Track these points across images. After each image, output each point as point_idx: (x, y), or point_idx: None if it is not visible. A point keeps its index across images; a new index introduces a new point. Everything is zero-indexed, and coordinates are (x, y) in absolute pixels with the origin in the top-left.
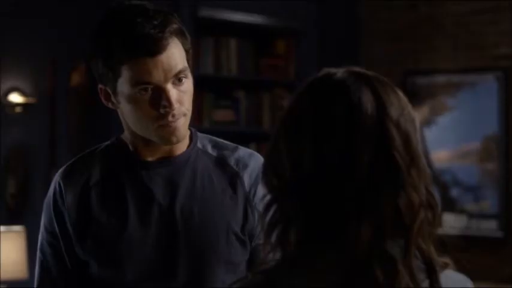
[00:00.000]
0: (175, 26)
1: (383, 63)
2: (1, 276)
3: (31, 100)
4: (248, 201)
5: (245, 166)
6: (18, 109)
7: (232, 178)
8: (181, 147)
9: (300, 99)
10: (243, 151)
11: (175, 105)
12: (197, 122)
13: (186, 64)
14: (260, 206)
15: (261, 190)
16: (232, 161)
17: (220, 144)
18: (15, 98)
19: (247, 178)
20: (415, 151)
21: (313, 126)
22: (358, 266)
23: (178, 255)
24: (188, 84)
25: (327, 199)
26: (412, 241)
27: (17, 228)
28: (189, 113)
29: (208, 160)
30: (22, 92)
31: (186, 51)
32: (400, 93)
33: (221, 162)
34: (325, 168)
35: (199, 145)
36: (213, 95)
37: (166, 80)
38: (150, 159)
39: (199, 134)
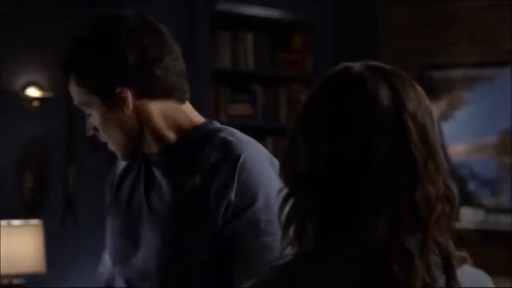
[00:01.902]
0: (70, 60)
1: (399, 58)
2: (18, 270)
3: (48, 94)
4: None
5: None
6: (35, 103)
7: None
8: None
9: (317, 94)
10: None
11: (89, 132)
12: (214, 116)
13: (82, 100)
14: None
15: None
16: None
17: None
18: (32, 92)
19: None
20: (432, 144)
21: (330, 120)
22: (375, 261)
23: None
24: (95, 116)
25: (344, 193)
26: (429, 234)
27: (34, 222)
28: (112, 141)
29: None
30: (39, 86)
31: (84, 85)
32: (417, 87)
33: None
34: (342, 162)
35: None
36: (229, 89)
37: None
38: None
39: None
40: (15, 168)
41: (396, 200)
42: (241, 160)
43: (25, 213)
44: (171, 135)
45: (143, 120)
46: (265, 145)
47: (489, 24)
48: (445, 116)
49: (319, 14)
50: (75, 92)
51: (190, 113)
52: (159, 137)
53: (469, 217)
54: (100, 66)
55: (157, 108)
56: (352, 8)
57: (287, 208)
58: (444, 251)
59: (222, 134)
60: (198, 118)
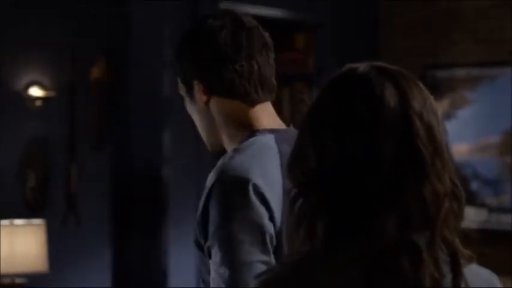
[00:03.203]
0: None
1: (402, 57)
2: (21, 270)
3: (51, 94)
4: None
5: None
6: (38, 103)
7: None
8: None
9: (323, 95)
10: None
11: None
12: None
13: (180, 89)
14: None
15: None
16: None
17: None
18: (35, 91)
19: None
20: (438, 141)
21: (336, 120)
22: (384, 258)
23: None
24: (188, 107)
25: (352, 192)
26: (437, 231)
27: (37, 221)
28: (201, 130)
29: None
30: (42, 86)
31: (180, 80)
32: (422, 86)
33: None
34: (349, 162)
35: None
36: None
37: None
38: None
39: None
40: (18, 167)
41: (404, 197)
42: (213, 187)
43: (27, 212)
44: (227, 139)
45: (212, 115)
46: None
47: (492, 24)
48: (448, 116)
49: (321, 13)
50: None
51: (255, 119)
52: (224, 137)
53: (471, 216)
54: (183, 60)
55: (221, 106)
56: (354, 7)
57: (296, 209)
58: (451, 248)
59: (233, 150)
60: (263, 125)
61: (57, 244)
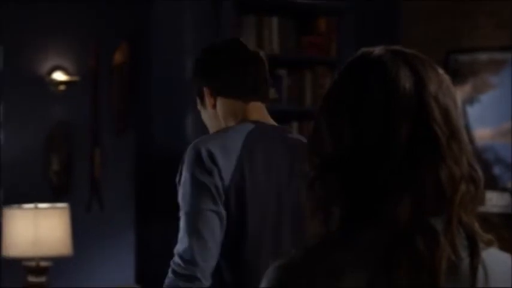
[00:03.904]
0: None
1: (425, 41)
2: (45, 253)
3: (74, 78)
4: None
5: None
6: (61, 87)
7: None
8: None
9: (339, 78)
10: None
11: None
12: None
13: (198, 107)
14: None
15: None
16: None
17: None
18: (58, 76)
19: None
20: (455, 124)
21: (352, 104)
22: (400, 241)
23: None
24: (203, 115)
25: (367, 175)
26: (453, 213)
27: (61, 205)
28: (209, 128)
29: None
30: (65, 71)
31: (196, 93)
32: (439, 69)
33: None
34: (364, 145)
35: None
36: None
37: None
38: None
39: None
40: (42, 151)
41: (420, 180)
42: (184, 154)
43: (51, 196)
44: None
45: (219, 117)
46: (290, 129)
47: None
48: (470, 100)
49: None
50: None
51: (248, 113)
52: None
53: (493, 201)
54: (197, 73)
55: (222, 104)
56: None
57: (314, 192)
58: (469, 231)
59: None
60: (252, 117)
61: (81, 227)
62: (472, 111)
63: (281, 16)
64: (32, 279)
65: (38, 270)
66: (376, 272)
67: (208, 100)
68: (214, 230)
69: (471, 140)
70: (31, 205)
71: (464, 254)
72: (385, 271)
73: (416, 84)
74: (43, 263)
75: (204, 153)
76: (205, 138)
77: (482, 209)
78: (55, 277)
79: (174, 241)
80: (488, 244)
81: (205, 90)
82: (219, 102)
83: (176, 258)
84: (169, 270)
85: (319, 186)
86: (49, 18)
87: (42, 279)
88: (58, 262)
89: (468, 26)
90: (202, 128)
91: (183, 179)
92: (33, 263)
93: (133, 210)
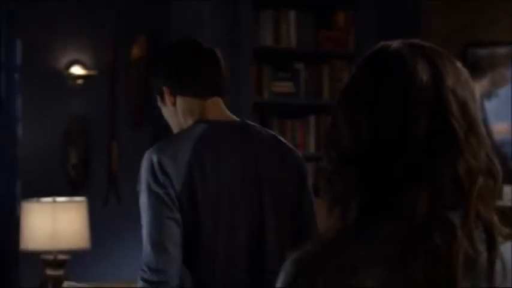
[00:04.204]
0: None
1: (443, 35)
2: (63, 246)
3: (92, 73)
4: None
5: None
6: (79, 81)
7: None
8: None
9: (356, 72)
10: None
11: None
12: (257, 94)
13: (159, 103)
14: None
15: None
16: None
17: None
18: (76, 70)
19: None
20: (473, 118)
21: (369, 97)
22: (417, 234)
23: None
24: (164, 112)
25: (385, 169)
26: (471, 207)
27: (79, 198)
28: (174, 128)
29: None
30: (83, 65)
31: (157, 92)
32: (457, 63)
33: None
34: (382, 139)
35: None
36: (272, 67)
37: None
38: None
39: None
40: (60, 145)
41: (437, 173)
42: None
43: (69, 190)
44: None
45: (179, 115)
46: (307, 123)
47: None
48: (488, 95)
49: None
50: None
51: (205, 110)
52: (185, 127)
53: (510, 195)
54: (157, 74)
55: (181, 102)
56: None
57: (331, 187)
58: (487, 225)
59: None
60: (208, 115)
61: (98, 221)
62: (490, 106)
63: (299, 10)
64: (49, 272)
65: (56, 264)
66: (392, 266)
67: (168, 99)
68: (174, 235)
69: (489, 134)
70: (49, 199)
71: (482, 248)
72: (401, 265)
73: (434, 78)
74: (61, 256)
75: (155, 165)
76: (158, 147)
77: (499, 203)
78: (73, 270)
79: None
80: (507, 238)
81: (165, 90)
82: (178, 100)
83: (143, 266)
84: (139, 277)
85: (337, 180)
86: (67, 13)
87: (60, 272)
88: (76, 255)
89: (487, 19)
90: None
91: (141, 188)
92: (51, 256)
93: None
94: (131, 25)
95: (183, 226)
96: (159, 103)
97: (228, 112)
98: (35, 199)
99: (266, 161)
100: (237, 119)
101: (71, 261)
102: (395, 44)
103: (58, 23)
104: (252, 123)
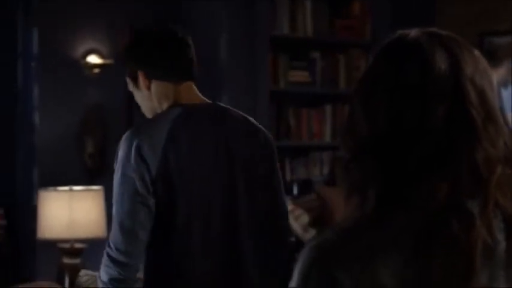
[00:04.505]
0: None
1: (459, 23)
2: (80, 235)
3: (108, 61)
4: None
5: None
6: (96, 70)
7: None
8: None
9: (374, 61)
10: None
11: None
12: (273, 83)
13: (130, 87)
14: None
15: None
16: None
17: None
18: (93, 59)
19: None
20: (491, 106)
21: (387, 86)
22: (435, 222)
23: None
24: (136, 96)
25: (403, 158)
26: (489, 196)
27: (96, 187)
28: (146, 112)
29: None
30: (100, 54)
31: (129, 76)
32: (475, 51)
33: None
34: (400, 127)
35: None
36: (288, 56)
37: None
38: None
39: None
40: (76, 134)
41: (456, 162)
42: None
43: (86, 179)
44: (160, 111)
45: (153, 98)
46: (323, 112)
47: None
48: (505, 83)
49: None
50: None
51: (181, 94)
52: (158, 111)
53: None
54: (131, 59)
55: (156, 86)
56: None
57: (349, 175)
58: (506, 214)
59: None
60: (183, 99)
61: None
62: (507, 95)
63: None
64: (66, 260)
65: (73, 252)
66: (410, 255)
67: (143, 82)
68: (143, 221)
69: (506, 123)
70: (66, 187)
71: (500, 237)
72: (419, 254)
73: (453, 67)
74: (78, 245)
75: (133, 149)
76: (137, 131)
77: None
78: (89, 259)
79: None
80: None
81: (140, 74)
82: (154, 84)
83: (111, 245)
84: (105, 253)
85: (355, 169)
86: (84, 2)
87: (76, 260)
88: (92, 244)
89: (503, 8)
90: (237, 109)
91: (116, 168)
92: (67, 245)
93: None
94: (148, 14)
95: (158, 208)
96: (131, 87)
97: (200, 95)
98: (51, 188)
99: (238, 141)
100: (209, 101)
101: (88, 249)
102: (413, 33)
103: (75, 12)
104: (225, 105)
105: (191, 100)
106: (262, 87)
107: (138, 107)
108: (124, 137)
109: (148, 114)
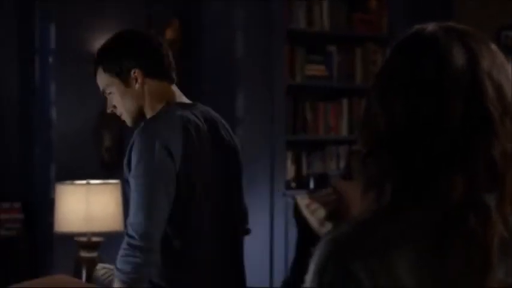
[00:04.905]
0: (99, 57)
1: (476, 17)
2: (97, 229)
3: None
4: None
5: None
6: None
7: None
8: None
9: (391, 56)
10: None
11: (109, 109)
12: (290, 77)
13: (108, 82)
14: None
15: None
16: None
17: None
18: None
19: None
20: (508, 101)
21: (405, 81)
22: (452, 216)
23: None
24: (114, 96)
25: (420, 153)
26: (506, 190)
27: (113, 181)
28: (126, 112)
29: None
30: None
31: (109, 73)
32: (493, 46)
33: None
34: (417, 122)
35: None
36: (305, 50)
37: (103, 93)
38: None
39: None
40: (93, 128)
41: (473, 157)
42: (135, 141)
43: (103, 172)
44: (150, 110)
45: (144, 96)
46: (340, 106)
47: None
48: None
49: None
50: (102, 78)
51: (171, 94)
52: (147, 110)
53: None
54: (122, 57)
55: (150, 85)
56: None
57: (366, 169)
58: None
59: (151, 117)
60: (176, 99)
61: None
62: None
63: None
64: (83, 254)
65: (90, 246)
66: (426, 249)
67: (139, 80)
68: (165, 208)
69: None
70: (83, 181)
71: None
72: (436, 248)
73: (470, 61)
74: (95, 239)
75: (156, 143)
76: (157, 128)
77: None
78: (106, 252)
79: None
80: None
81: (137, 71)
82: (148, 82)
83: (132, 234)
84: (124, 241)
85: (372, 164)
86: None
87: (93, 254)
88: (109, 237)
89: None
90: (251, 105)
91: (139, 164)
92: (84, 239)
93: None
94: (164, 8)
95: (176, 201)
96: (113, 88)
97: (184, 97)
98: (69, 182)
99: (222, 137)
100: (191, 102)
101: (105, 243)
102: (430, 27)
103: (92, 7)
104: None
105: (181, 100)
106: (278, 81)
107: None
108: (145, 136)
109: (129, 116)
